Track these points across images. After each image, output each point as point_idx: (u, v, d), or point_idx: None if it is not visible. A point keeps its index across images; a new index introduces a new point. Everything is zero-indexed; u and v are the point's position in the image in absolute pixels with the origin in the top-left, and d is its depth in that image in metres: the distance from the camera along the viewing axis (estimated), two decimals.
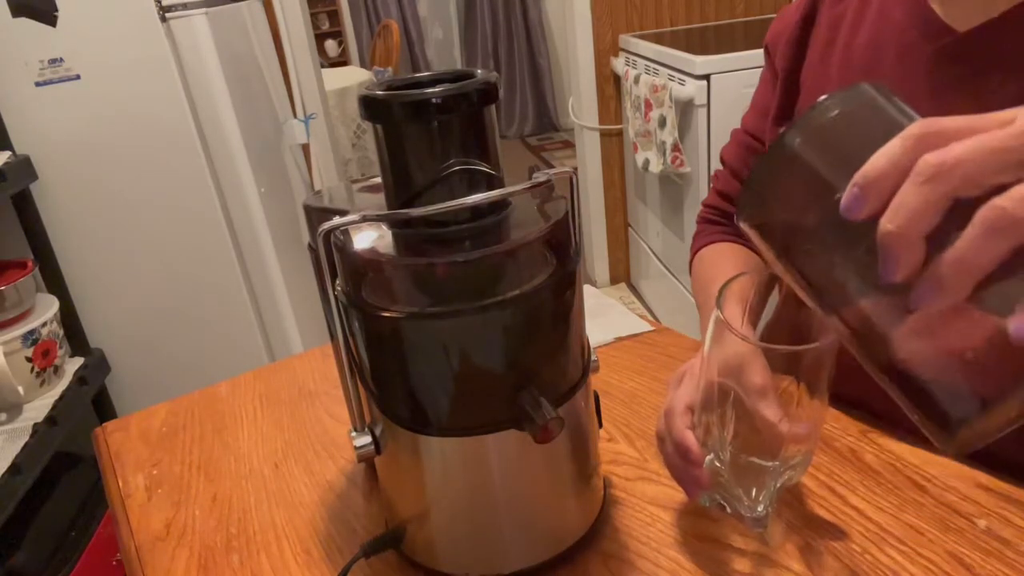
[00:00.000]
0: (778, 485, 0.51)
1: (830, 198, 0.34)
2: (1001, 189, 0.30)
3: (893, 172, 0.32)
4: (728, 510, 0.55)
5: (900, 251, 0.32)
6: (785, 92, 0.74)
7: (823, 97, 0.36)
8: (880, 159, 0.32)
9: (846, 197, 0.33)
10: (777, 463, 0.50)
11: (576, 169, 0.58)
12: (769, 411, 0.47)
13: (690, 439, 0.52)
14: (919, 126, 0.32)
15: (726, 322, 0.45)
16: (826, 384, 0.47)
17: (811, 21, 0.72)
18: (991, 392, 0.32)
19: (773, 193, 0.38)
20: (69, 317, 1.64)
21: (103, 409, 1.73)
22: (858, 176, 0.33)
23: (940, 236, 0.31)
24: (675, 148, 2.04)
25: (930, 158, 0.31)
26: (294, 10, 2.27)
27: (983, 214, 0.30)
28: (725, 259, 0.79)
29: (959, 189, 0.31)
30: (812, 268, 0.37)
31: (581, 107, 2.70)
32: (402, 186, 0.47)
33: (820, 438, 0.52)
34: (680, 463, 0.53)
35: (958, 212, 0.31)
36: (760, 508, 0.52)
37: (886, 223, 0.32)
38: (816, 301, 0.38)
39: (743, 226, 0.40)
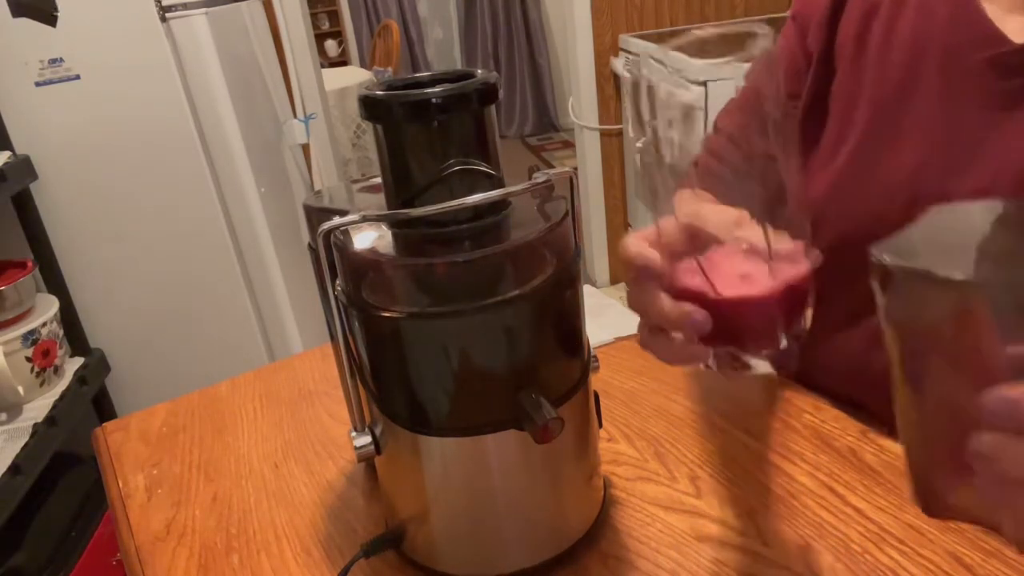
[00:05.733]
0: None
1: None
2: None
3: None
4: (741, 358, 0.46)
5: None
6: (817, 78, 0.67)
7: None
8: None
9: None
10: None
11: (576, 169, 0.58)
12: (751, 234, 0.42)
13: (653, 253, 0.44)
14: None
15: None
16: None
17: (840, 7, 0.65)
18: None
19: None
20: (69, 317, 1.64)
21: (103, 409, 1.73)
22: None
23: None
24: None
25: None
26: (294, 10, 2.26)
27: None
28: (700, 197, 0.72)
29: None
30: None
31: (581, 107, 2.69)
32: (402, 186, 0.47)
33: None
34: (665, 306, 0.43)
35: None
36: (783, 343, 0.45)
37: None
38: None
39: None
